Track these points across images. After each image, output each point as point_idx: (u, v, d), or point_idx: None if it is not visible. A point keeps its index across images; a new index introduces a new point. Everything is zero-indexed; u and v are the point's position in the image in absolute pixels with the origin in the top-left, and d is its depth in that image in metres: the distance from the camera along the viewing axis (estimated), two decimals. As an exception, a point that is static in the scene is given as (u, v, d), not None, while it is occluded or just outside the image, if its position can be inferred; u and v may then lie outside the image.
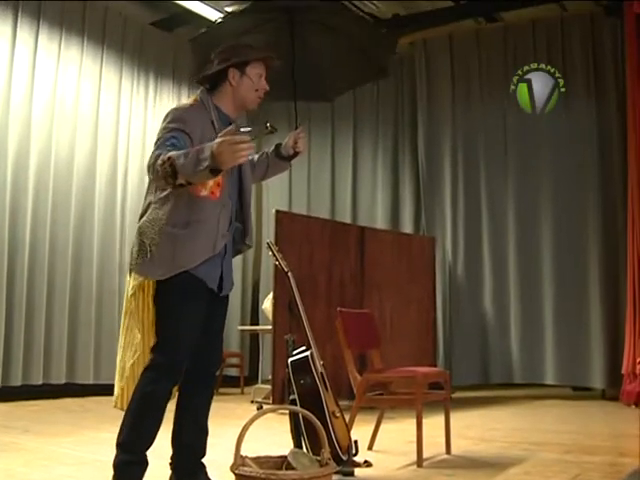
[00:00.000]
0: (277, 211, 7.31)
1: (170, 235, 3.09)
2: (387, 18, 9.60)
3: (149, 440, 3.12)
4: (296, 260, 6.89)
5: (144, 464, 3.10)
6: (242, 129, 3.34)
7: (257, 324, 10.33)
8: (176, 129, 3.11)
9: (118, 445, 3.09)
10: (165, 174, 2.90)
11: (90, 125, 8.78)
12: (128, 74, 9.36)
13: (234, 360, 9.82)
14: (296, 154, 3.70)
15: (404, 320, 8.28)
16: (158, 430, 3.14)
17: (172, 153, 2.92)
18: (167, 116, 3.22)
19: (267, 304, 7.87)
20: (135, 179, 8.95)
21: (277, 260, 4.41)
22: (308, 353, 4.05)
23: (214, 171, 2.86)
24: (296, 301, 4.23)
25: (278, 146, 3.69)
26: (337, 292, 7.54)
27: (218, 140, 2.82)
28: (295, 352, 4.10)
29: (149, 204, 3.20)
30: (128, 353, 3.24)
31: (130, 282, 3.22)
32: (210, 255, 3.14)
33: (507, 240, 9.14)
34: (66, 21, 8.62)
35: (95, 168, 8.74)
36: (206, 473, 3.27)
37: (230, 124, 3.25)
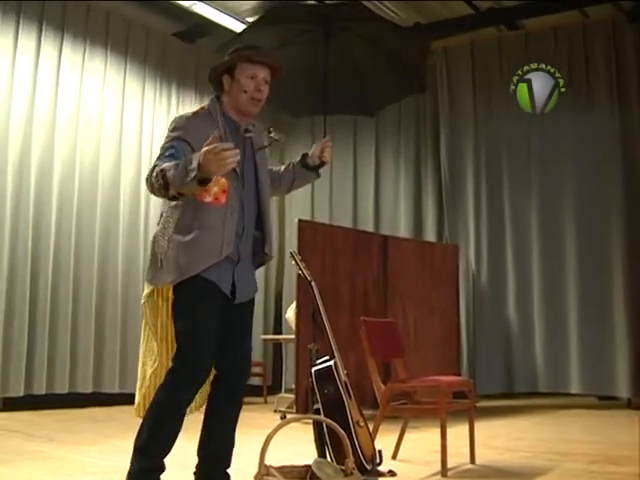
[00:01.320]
0: (300, 220, 7.31)
1: (175, 242, 3.13)
2: (408, 26, 9.60)
3: (167, 446, 3.12)
4: (319, 269, 6.90)
5: (160, 470, 3.10)
6: (272, 134, 3.48)
7: (280, 333, 10.33)
8: (176, 138, 3.15)
9: (135, 449, 3.10)
10: (159, 186, 2.97)
11: (114, 136, 8.86)
12: (151, 85, 9.45)
13: (257, 369, 9.80)
14: (323, 164, 3.69)
15: (427, 329, 8.25)
16: (176, 437, 3.15)
17: (165, 165, 2.97)
18: (170, 124, 3.26)
19: (290, 313, 7.87)
20: (159, 189, 8.96)
21: (300, 269, 4.41)
22: (332, 362, 4.05)
23: (202, 181, 2.88)
24: (319, 310, 4.23)
25: (305, 156, 3.67)
26: (360, 301, 7.53)
27: (203, 150, 2.84)
28: (319, 361, 4.10)
29: (162, 214, 3.26)
30: (148, 362, 3.28)
31: (143, 291, 3.28)
32: (214, 261, 3.13)
33: (530, 248, 9.09)
34: (90, 33, 8.72)
35: (119, 178, 8.82)
36: None
37: (238, 129, 3.32)
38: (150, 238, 3.45)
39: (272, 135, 3.49)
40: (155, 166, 3.02)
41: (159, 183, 2.96)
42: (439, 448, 4.21)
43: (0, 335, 7.55)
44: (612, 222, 8.62)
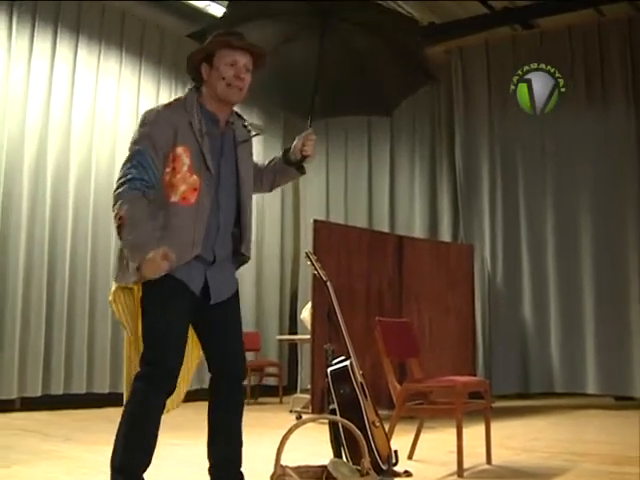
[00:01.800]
0: (315, 221, 7.32)
1: None
2: (423, 26, 9.59)
3: (145, 459, 2.97)
4: (334, 269, 6.90)
5: None
6: (248, 128, 3.28)
7: (295, 334, 10.34)
8: (142, 139, 3.02)
9: (113, 469, 2.96)
10: (114, 220, 2.94)
11: (129, 136, 8.83)
12: (166, 85, 9.50)
13: (272, 369, 9.84)
14: (304, 158, 3.39)
15: (443, 329, 8.24)
16: (154, 446, 3.01)
17: (123, 214, 2.88)
18: (140, 118, 3.12)
19: (305, 314, 7.88)
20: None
21: (316, 270, 4.41)
22: (347, 362, 4.05)
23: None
24: (335, 310, 4.23)
25: (287, 151, 3.43)
26: (375, 301, 7.52)
27: (149, 256, 2.82)
28: (334, 361, 4.10)
29: None
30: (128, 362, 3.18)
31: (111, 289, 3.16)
32: (180, 263, 2.96)
33: (546, 247, 9.06)
34: (105, 34, 8.80)
35: (135, 179, 8.85)
36: None
37: (217, 122, 3.14)
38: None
39: (249, 129, 3.27)
40: (122, 182, 2.94)
41: (115, 222, 2.92)
42: (455, 448, 4.20)
43: (18, 336, 7.62)
44: (628, 220, 8.58)
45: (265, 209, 10.96)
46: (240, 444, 3.22)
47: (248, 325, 10.36)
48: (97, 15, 8.74)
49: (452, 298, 8.50)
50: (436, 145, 10.49)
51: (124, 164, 3.01)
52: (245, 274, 10.48)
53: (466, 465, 4.24)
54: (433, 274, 8.30)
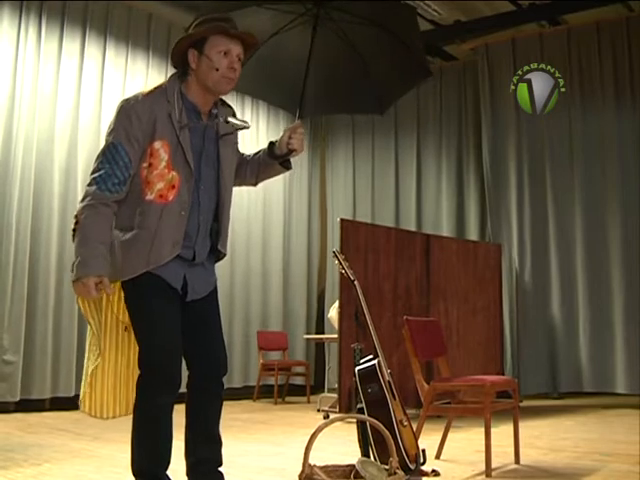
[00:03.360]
0: (342, 220, 7.32)
1: (115, 239, 2.89)
2: (449, 24, 9.57)
3: (166, 459, 2.96)
4: (362, 268, 6.90)
5: None
6: (230, 120, 3.06)
7: (322, 333, 10.37)
8: (117, 132, 2.89)
9: (135, 474, 2.96)
10: (74, 216, 2.89)
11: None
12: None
13: (300, 369, 9.86)
14: (290, 152, 3.17)
15: (471, 328, 8.21)
16: (171, 445, 2.98)
17: (82, 224, 2.82)
18: (117, 107, 2.96)
19: (333, 313, 7.88)
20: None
21: (343, 269, 4.42)
22: (375, 362, 4.05)
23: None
24: (362, 309, 4.23)
25: (272, 144, 3.23)
26: (403, 300, 7.51)
27: (85, 280, 2.76)
28: (362, 361, 4.10)
29: None
30: (91, 357, 3.12)
31: None
32: (152, 267, 2.87)
33: (575, 246, 9.00)
34: (132, 35, 8.90)
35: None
36: None
37: (199, 113, 3.00)
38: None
39: (234, 122, 3.06)
40: (93, 181, 2.87)
41: (73, 220, 2.87)
42: (483, 448, 4.18)
43: (50, 337, 7.72)
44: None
45: (292, 209, 10.99)
46: (220, 443, 3.13)
47: (275, 325, 10.40)
48: (124, 16, 8.84)
49: (480, 297, 8.47)
50: (463, 143, 10.46)
51: (98, 156, 2.91)
52: (272, 274, 10.54)
53: (494, 465, 4.22)
54: (461, 273, 8.27)
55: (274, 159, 3.20)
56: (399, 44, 3.85)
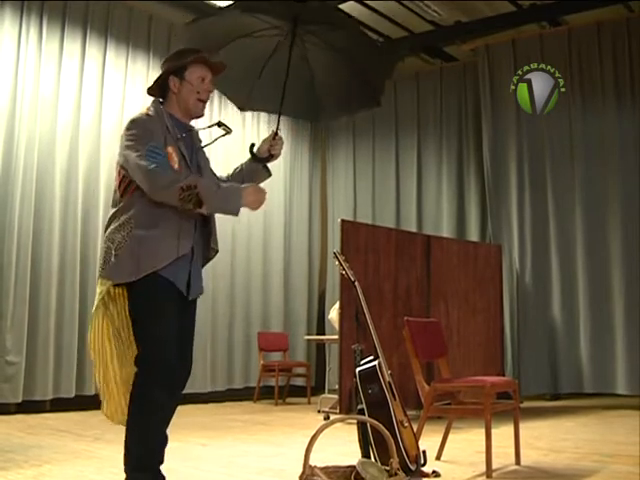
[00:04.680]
0: (343, 221, 7.32)
1: (137, 237, 3.07)
2: (449, 25, 9.58)
3: (159, 452, 3.08)
4: (362, 269, 6.90)
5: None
6: (222, 127, 3.41)
7: (323, 334, 10.37)
8: (144, 140, 3.12)
9: (128, 467, 3.06)
10: (187, 199, 3.03)
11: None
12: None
13: (300, 370, 9.86)
14: (271, 156, 3.56)
15: (471, 329, 8.22)
16: (165, 441, 3.12)
17: (195, 182, 3.05)
18: (133, 127, 3.19)
19: (333, 314, 7.89)
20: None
21: (344, 270, 4.42)
22: (376, 362, 4.06)
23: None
24: (363, 310, 4.24)
25: (252, 146, 3.59)
26: (403, 301, 7.51)
27: (248, 189, 3.16)
28: (363, 361, 4.11)
29: (114, 214, 3.18)
30: (101, 370, 3.21)
31: (97, 290, 3.19)
32: (175, 257, 3.10)
33: (575, 247, 8.99)
34: (132, 36, 8.90)
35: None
36: (164, 478, 3.17)
37: (189, 130, 3.34)
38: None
39: (223, 127, 3.41)
40: (158, 173, 3.05)
41: (190, 198, 3.03)
42: (483, 449, 4.19)
43: (52, 338, 7.72)
44: (658, 217, 8.50)
45: (293, 210, 10.99)
46: (166, 443, 3.22)
47: (276, 326, 10.40)
48: (125, 17, 8.84)
49: (480, 298, 8.47)
50: (463, 144, 10.45)
51: (139, 166, 3.07)
52: (273, 275, 10.54)
53: (495, 466, 4.23)
54: (461, 274, 8.27)
55: (257, 162, 3.56)
56: (356, 73, 4.01)
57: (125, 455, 3.06)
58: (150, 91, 3.41)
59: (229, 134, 3.42)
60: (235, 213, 3.13)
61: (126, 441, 3.07)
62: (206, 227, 3.32)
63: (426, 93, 10.80)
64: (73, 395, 7.73)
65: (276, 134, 3.54)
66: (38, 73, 8.00)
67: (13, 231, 7.55)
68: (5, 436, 5.86)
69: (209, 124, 3.54)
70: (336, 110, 4.44)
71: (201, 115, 3.39)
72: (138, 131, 3.15)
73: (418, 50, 10.39)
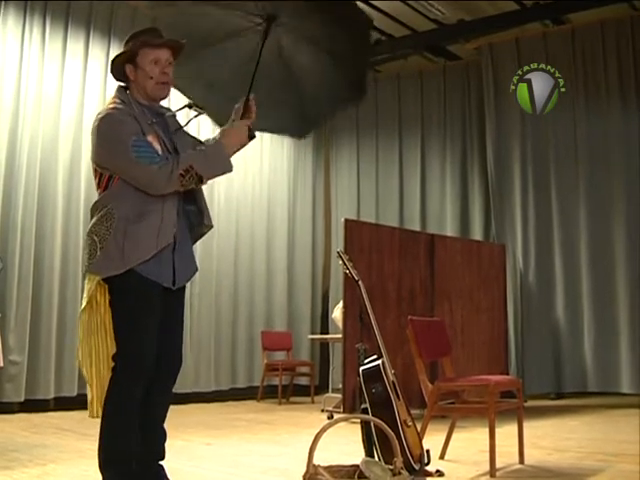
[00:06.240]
0: (346, 220, 7.31)
1: (121, 229, 3.02)
2: (452, 24, 9.56)
3: (135, 449, 3.06)
4: (366, 269, 6.90)
5: (138, 477, 3.05)
6: (168, 114, 3.35)
7: (327, 333, 10.36)
8: (125, 135, 3.09)
9: (104, 464, 3.07)
10: (190, 182, 3.05)
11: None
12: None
13: (304, 369, 9.85)
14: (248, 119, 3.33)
15: (475, 328, 8.21)
16: (164, 437, 3.15)
17: (187, 161, 3.05)
18: (106, 126, 3.19)
19: (337, 313, 7.89)
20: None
21: (347, 269, 4.42)
22: (380, 362, 4.05)
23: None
24: (367, 309, 4.23)
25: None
26: (407, 300, 7.51)
27: (223, 138, 3.13)
28: (366, 361, 4.10)
29: (95, 205, 3.18)
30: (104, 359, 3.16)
31: (85, 286, 3.13)
32: (160, 247, 3.05)
33: (579, 246, 8.98)
34: (135, 36, 8.88)
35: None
36: (165, 475, 3.21)
37: (160, 115, 3.28)
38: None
39: (194, 108, 3.41)
40: (159, 165, 3.03)
41: (192, 179, 3.04)
42: (487, 448, 4.18)
43: (54, 337, 7.73)
44: (662, 219, 8.48)
45: (296, 209, 10.98)
46: (165, 437, 3.24)
47: (280, 325, 10.41)
48: (128, 17, 8.82)
49: (484, 297, 8.47)
50: (467, 143, 10.45)
51: (128, 167, 3.08)
52: (277, 274, 10.54)
53: (498, 465, 4.22)
54: (465, 273, 8.27)
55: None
56: (339, 64, 3.77)
57: (99, 453, 3.08)
58: (116, 77, 3.33)
59: (202, 114, 3.43)
60: (229, 169, 3.15)
61: (100, 438, 3.08)
62: (191, 206, 3.26)
63: (429, 92, 10.79)
64: (75, 394, 7.74)
65: (247, 100, 3.31)
66: (41, 72, 8.02)
67: (16, 230, 7.57)
68: (9, 435, 5.88)
69: (180, 107, 3.46)
70: (323, 115, 4.23)
71: (165, 96, 3.31)
72: (114, 128, 3.13)
73: (421, 49, 10.38)
